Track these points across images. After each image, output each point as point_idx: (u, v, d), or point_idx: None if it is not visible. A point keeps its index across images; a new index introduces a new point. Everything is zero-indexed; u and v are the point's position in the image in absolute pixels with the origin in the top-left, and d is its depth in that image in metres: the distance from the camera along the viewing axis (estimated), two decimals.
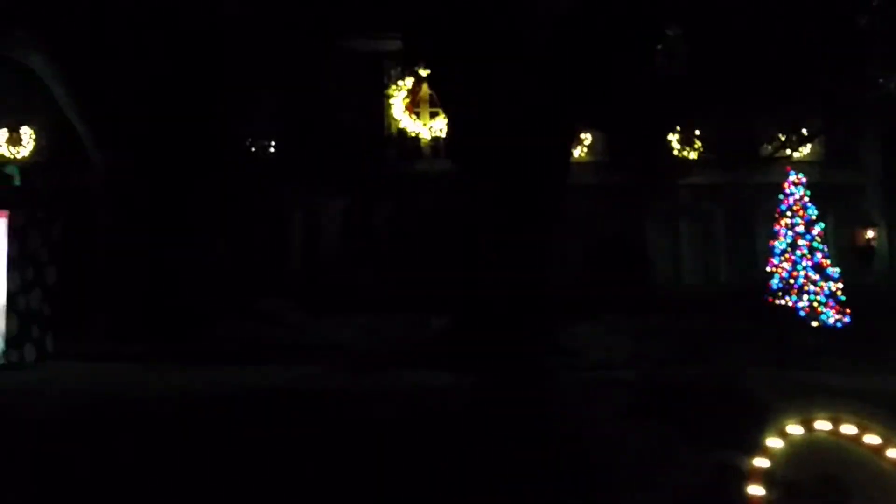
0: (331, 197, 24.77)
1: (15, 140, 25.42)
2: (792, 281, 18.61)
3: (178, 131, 14.17)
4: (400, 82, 25.43)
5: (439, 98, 14.01)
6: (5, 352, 11.06)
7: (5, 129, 25.26)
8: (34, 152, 25.42)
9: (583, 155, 24.57)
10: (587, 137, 24.56)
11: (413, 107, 25.95)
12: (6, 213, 11.09)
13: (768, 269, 19.12)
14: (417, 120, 25.87)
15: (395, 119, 25.83)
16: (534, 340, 12.23)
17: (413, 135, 25.60)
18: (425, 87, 26.33)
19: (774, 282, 18.86)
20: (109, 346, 13.14)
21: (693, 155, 23.67)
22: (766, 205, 24.73)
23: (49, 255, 11.91)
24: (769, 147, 24.06)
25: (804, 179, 19.27)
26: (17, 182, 11.53)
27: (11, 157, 25.35)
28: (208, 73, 14.56)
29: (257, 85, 16.71)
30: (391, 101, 25.84)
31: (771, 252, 19.30)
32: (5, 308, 11.15)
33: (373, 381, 10.47)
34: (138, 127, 14.18)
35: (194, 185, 14.75)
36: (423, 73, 25.34)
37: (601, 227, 23.59)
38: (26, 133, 25.38)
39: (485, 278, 12.37)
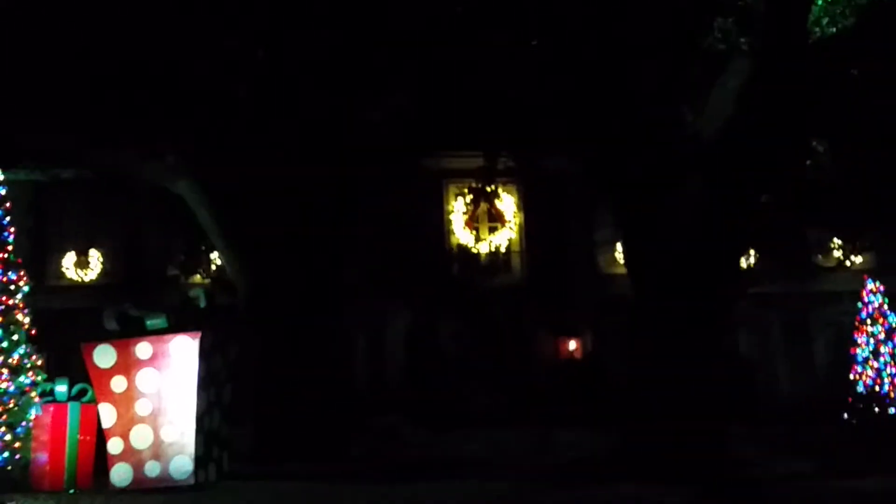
0: (394, 314, 25.14)
1: (82, 263, 25.73)
2: (877, 388, 19.10)
3: (313, 259, 14.65)
4: (461, 199, 26.12)
5: (616, 214, 14.67)
6: (194, 472, 11.20)
7: (73, 253, 25.58)
8: (100, 275, 25.72)
9: None
10: None
11: (472, 223, 26.61)
12: (198, 334, 11.37)
13: (851, 376, 19.62)
14: (477, 235, 26.49)
15: (454, 235, 26.43)
16: (717, 447, 12.60)
17: (474, 250, 26.17)
18: (483, 204, 27.06)
19: (859, 389, 19.32)
20: (269, 466, 13.25)
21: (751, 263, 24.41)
22: (822, 313, 25.37)
23: (227, 375, 12.17)
24: (826, 256, 24.85)
25: (882, 287, 19.93)
26: (202, 304, 11.84)
27: (79, 279, 25.59)
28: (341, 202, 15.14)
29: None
30: (451, 217, 26.47)
31: (853, 360, 19.82)
32: (195, 428, 11.32)
33: (579, 497, 10.60)
34: (280, 254, 14.63)
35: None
36: (487, 188, 26.12)
37: None
38: (94, 256, 25.73)
39: (652, 389, 12.79)
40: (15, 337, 12.74)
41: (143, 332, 11.67)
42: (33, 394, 12.64)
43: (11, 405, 12.43)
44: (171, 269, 24.16)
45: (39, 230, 24.48)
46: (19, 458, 12.26)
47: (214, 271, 24.00)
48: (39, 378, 12.83)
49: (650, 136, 12.93)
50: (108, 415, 11.66)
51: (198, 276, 24.65)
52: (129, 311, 11.90)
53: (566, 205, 26.58)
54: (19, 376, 12.61)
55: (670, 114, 13.36)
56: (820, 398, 21.56)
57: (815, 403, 20.86)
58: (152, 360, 11.58)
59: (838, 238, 23.66)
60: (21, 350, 12.76)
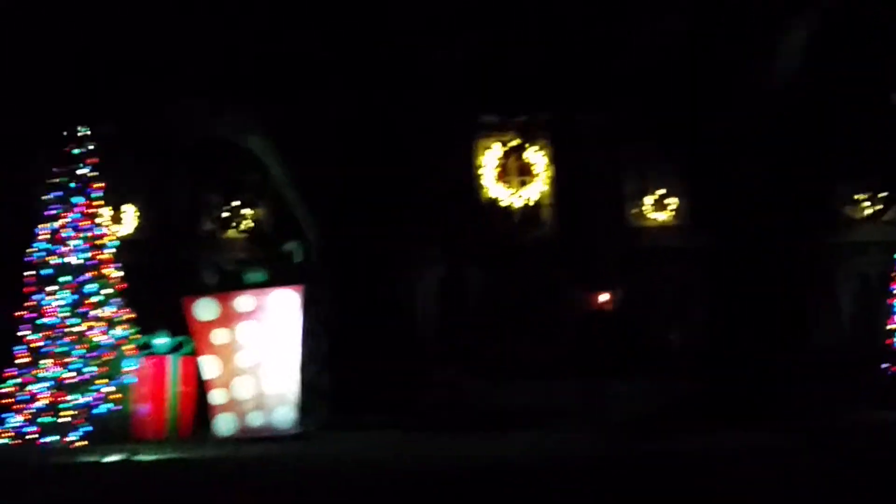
0: (428, 266, 25.33)
1: (115, 219, 25.73)
2: None
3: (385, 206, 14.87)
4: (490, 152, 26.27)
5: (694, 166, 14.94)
6: (297, 421, 11.53)
7: (110, 208, 25.55)
8: (136, 229, 25.77)
9: (669, 218, 25.45)
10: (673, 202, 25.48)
11: (503, 175, 26.78)
12: (300, 287, 11.63)
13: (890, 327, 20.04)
14: (508, 188, 26.69)
15: (485, 188, 26.60)
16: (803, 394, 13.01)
17: (505, 204, 26.40)
18: (513, 158, 27.26)
19: None
20: (351, 416, 13.53)
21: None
22: (848, 264, 25.79)
23: (321, 328, 12.45)
24: (853, 208, 25.19)
25: None
26: (297, 258, 12.08)
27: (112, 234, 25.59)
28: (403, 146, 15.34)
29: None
30: (482, 171, 26.63)
31: (890, 310, 20.23)
32: (297, 379, 11.62)
33: (660, 447, 10.57)
34: (352, 205, 14.85)
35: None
36: (513, 143, 26.31)
37: None
38: (127, 212, 25.72)
39: (734, 342, 13.15)
40: (106, 291, 12.91)
41: (243, 286, 11.86)
42: (127, 347, 12.84)
43: (108, 358, 12.63)
44: (207, 224, 24.24)
45: None
46: (117, 410, 12.48)
47: (251, 226, 24.13)
48: (131, 331, 13.04)
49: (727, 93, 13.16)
50: (210, 367, 11.91)
51: (232, 230, 24.77)
52: (226, 265, 12.09)
53: (594, 158, 26.76)
54: (113, 329, 12.81)
55: (746, 70, 13.59)
56: (848, 349, 21.99)
57: (846, 354, 21.29)
58: (254, 313, 11.82)
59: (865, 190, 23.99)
60: (113, 304, 12.91)
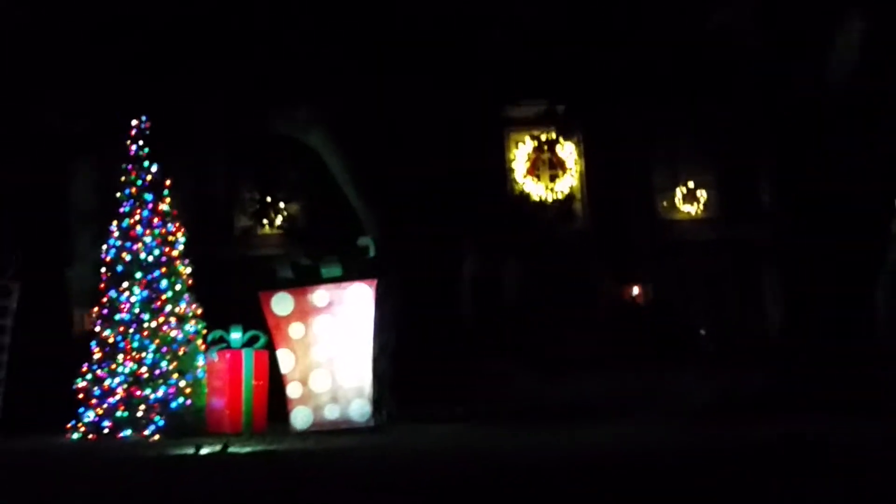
0: (471, 260, 25.53)
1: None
2: None
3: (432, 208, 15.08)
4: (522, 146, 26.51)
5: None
6: (372, 414, 11.72)
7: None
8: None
9: (698, 212, 25.64)
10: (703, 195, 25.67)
11: (534, 170, 27.02)
12: (374, 281, 11.82)
13: None
14: (539, 182, 26.91)
15: (517, 182, 26.84)
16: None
17: (537, 198, 26.62)
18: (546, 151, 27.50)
19: None
20: (418, 409, 13.71)
21: None
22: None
23: (391, 322, 12.65)
24: None
25: None
26: (371, 253, 12.27)
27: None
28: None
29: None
30: (513, 165, 26.87)
31: None
32: (371, 372, 11.81)
33: (765, 433, 10.63)
34: (404, 202, 15.05)
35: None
36: (543, 136, 26.56)
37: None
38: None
39: (810, 331, 13.32)
40: (178, 287, 13.10)
41: (319, 280, 12.05)
42: (198, 342, 13.04)
43: (181, 353, 12.82)
44: (242, 220, 24.44)
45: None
46: (191, 404, 12.68)
47: (285, 222, 24.34)
48: (200, 326, 13.24)
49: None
50: (286, 360, 12.10)
51: (266, 227, 24.99)
52: (301, 260, 12.28)
53: (625, 151, 26.94)
54: (185, 324, 13.00)
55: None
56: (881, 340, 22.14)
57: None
58: (329, 307, 12.03)
59: None
60: (184, 300, 13.11)
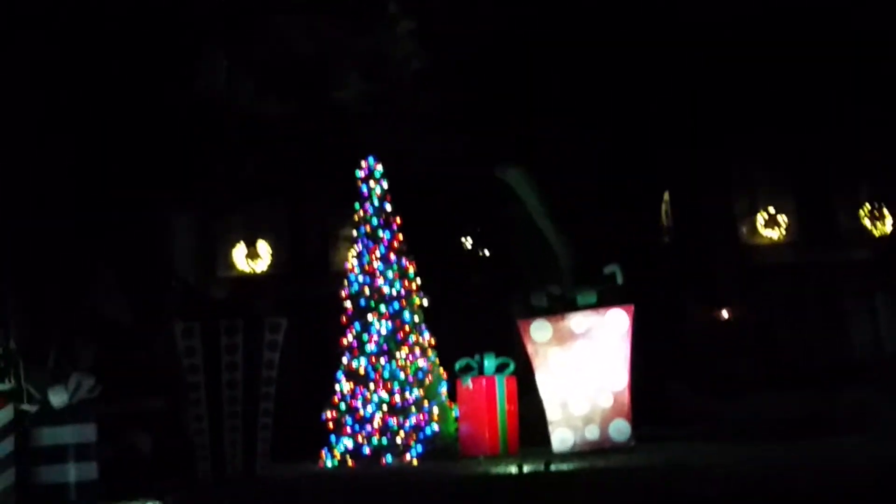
0: None
1: (253, 254, 26.54)
2: None
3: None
4: None
5: None
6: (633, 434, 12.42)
7: (243, 244, 26.38)
8: (271, 265, 26.56)
9: (781, 236, 26.68)
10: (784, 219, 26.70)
11: None
12: (631, 307, 12.61)
13: None
14: None
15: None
16: None
17: None
18: None
19: None
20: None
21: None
22: None
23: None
24: None
25: None
26: (619, 280, 13.05)
27: (251, 270, 26.43)
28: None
29: None
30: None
31: None
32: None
33: None
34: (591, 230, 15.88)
35: None
36: None
37: None
38: (262, 247, 26.52)
39: None
40: (416, 318, 13.78)
41: (573, 308, 12.80)
42: (440, 370, 13.72)
43: (427, 381, 13.49)
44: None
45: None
46: (439, 430, 13.34)
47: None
48: (432, 355, 13.92)
49: None
50: (546, 384, 12.79)
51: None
52: (552, 290, 13.02)
53: (704, 178, 27.80)
54: (428, 354, 13.69)
55: None
56: None
57: None
58: (587, 333, 12.73)
59: None
60: (425, 330, 13.80)
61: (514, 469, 10.67)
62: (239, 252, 25.75)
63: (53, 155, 14.33)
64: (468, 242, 22.43)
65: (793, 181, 27.94)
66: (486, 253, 24.06)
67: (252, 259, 25.92)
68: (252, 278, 25.47)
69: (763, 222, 27.09)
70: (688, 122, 19.02)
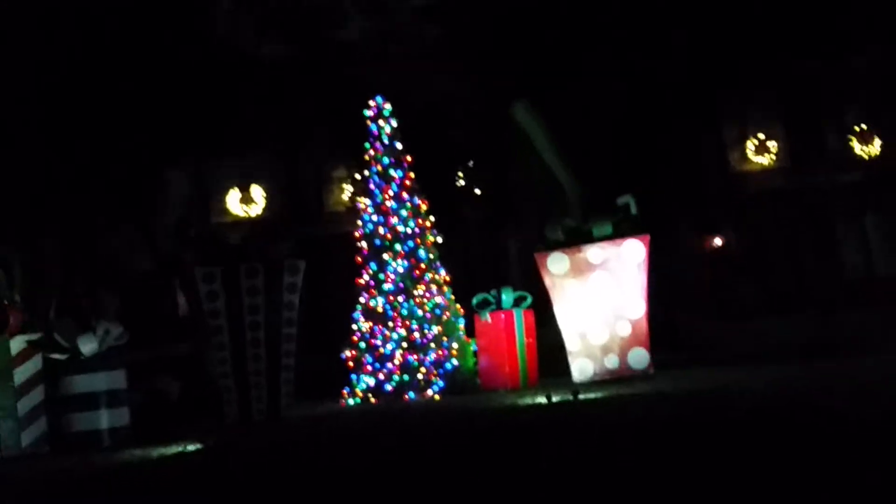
0: None
1: (247, 199, 26.52)
2: None
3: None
4: None
5: None
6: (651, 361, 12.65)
7: (237, 189, 26.34)
8: (265, 210, 26.56)
9: (771, 161, 26.87)
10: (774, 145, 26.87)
11: None
12: (646, 237, 12.77)
13: None
14: None
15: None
16: None
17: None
18: None
19: None
20: None
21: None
22: None
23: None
24: None
25: None
26: (633, 210, 13.18)
27: (245, 214, 26.42)
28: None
29: None
30: None
31: None
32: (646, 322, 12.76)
33: None
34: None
35: None
36: None
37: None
38: (256, 192, 26.50)
39: None
40: (431, 255, 13.89)
41: (589, 240, 12.93)
42: (457, 306, 13.86)
43: (445, 317, 13.64)
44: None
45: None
46: (459, 365, 13.53)
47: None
48: (448, 291, 14.05)
49: None
50: (564, 316, 12.96)
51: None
52: (567, 222, 13.14)
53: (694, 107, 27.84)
54: (444, 291, 13.82)
55: None
56: None
57: None
58: (604, 264, 12.88)
59: None
60: (440, 268, 13.91)
61: (542, 399, 10.80)
62: (233, 197, 25.64)
63: (56, 100, 14.16)
64: (461, 179, 22.40)
65: (781, 107, 28.02)
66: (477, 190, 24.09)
67: (246, 204, 25.81)
68: (246, 222, 25.42)
69: (753, 149, 27.14)
70: (682, 54, 19.06)
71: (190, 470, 8.06)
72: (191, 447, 9.26)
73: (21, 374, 11.03)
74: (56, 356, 10.84)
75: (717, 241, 27.59)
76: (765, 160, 27.12)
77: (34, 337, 11.02)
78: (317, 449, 8.58)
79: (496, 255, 23.76)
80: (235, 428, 11.61)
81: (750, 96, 27.37)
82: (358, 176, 14.87)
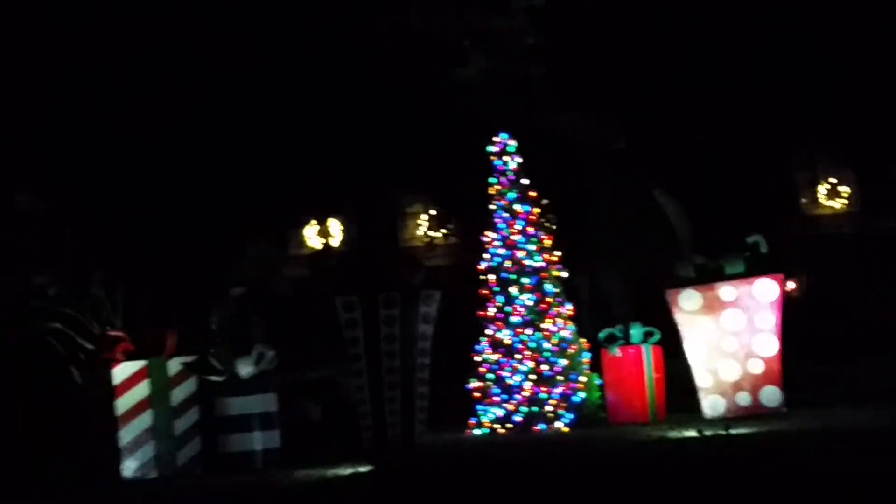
0: None
1: (323, 232, 26.83)
2: None
3: None
4: None
5: None
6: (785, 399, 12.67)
7: (315, 223, 26.65)
8: (343, 242, 26.85)
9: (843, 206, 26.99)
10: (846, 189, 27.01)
11: None
12: (780, 276, 12.89)
13: None
14: None
15: None
16: None
17: None
18: None
19: None
20: None
21: None
22: None
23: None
24: None
25: None
26: (763, 248, 13.33)
27: (322, 246, 26.68)
28: None
29: None
30: None
31: None
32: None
33: None
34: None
35: None
36: None
37: None
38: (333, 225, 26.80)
39: None
40: (556, 290, 14.07)
41: (720, 277, 13.07)
42: (582, 339, 14.01)
43: (571, 351, 13.79)
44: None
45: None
46: (586, 398, 13.65)
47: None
48: (572, 325, 14.20)
49: None
50: (696, 352, 13.08)
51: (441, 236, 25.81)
52: (698, 259, 13.30)
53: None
54: (568, 325, 13.98)
55: None
56: None
57: None
58: (736, 301, 13.01)
59: None
60: (566, 302, 14.08)
61: (693, 433, 10.88)
62: (310, 230, 25.99)
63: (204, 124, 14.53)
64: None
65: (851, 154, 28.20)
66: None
67: (324, 237, 26.14)
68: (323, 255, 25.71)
69: (825, 193, 27.30)
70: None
71: (374, 491, 8.25)
72: (362, 469, 9.40)
73: (177, 395, 11.20)
74: (214, 378, 11.01)
75: (791, 285, 27.53)
76: (836, 204, 27.21)
77: (189, 359, 11.21)
78: (484, 474, 8.70)
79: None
80: (396, 452, 11.77)
81: (822, 144, 27.50)
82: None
